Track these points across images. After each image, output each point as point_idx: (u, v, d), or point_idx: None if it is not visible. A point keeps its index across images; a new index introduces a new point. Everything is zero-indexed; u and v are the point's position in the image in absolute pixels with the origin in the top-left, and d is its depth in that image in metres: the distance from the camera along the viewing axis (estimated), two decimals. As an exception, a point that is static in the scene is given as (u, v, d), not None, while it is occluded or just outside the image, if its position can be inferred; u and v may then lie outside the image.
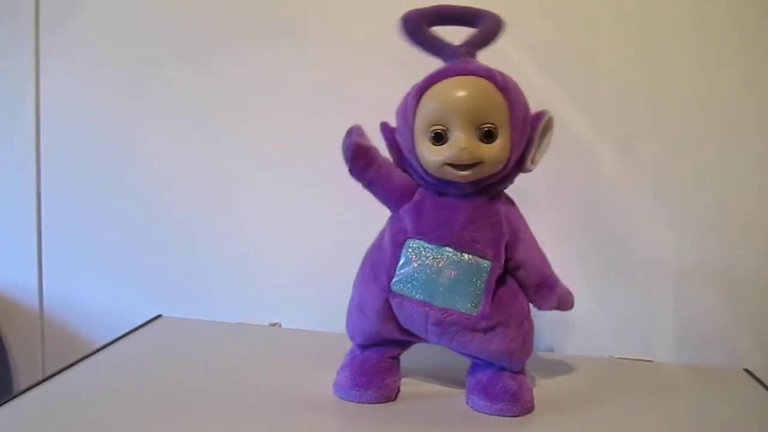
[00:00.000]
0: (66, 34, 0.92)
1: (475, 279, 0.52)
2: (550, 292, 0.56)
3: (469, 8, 0.55)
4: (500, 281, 0.53)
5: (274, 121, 0.87)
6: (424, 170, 0.52)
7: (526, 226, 0.56)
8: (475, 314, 0.52)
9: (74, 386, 0.57)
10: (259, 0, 0.86)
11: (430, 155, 0.50)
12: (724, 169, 0.77)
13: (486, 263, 0.52)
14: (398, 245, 0.54)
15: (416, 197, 0.54)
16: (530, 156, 0.53)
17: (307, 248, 0.88)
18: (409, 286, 0.53)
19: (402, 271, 0.53)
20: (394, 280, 0.54)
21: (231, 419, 0.51)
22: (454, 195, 0.53)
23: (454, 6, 0.55)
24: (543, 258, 0.56)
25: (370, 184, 0.55)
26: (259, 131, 0.88)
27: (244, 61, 0.87)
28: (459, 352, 0.56)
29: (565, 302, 0.58)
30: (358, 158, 0.54)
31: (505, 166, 0.51)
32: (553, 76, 0.78)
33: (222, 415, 0.52)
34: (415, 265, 0.53)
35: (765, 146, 0.76)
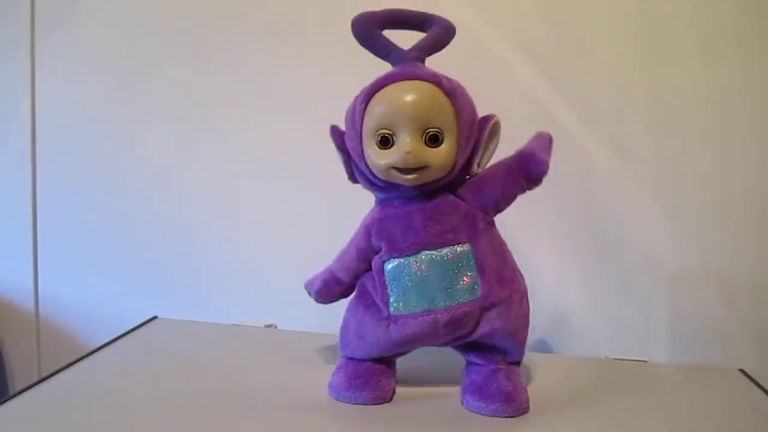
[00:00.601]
0: (62, 34, 0.92)
1: (462, 267, 0.52)
2: (532, 160, 0.53)
3: (420, 13, 0.56)
4: (497, 259, 0.54)
5: (271, 122, 0.87)
6: (372, 174, 0.52)
7: (474, 180, 0.55)
8: (477, 298, 0.52)
9: (70, 387, 0.57)
10: (260, 1, 0.86)
11: (377, 159, 0.51)
12: (720, 170, 0.78)
13: (465, 247, 0.52)
14: (381, 271, 0.54)
15: (369, 221, 0.55)
16: (477, 160, 0.53)
17: (304, 249, 0.87)
18: (407, 302, 0.53)
19: (394, 291, 0.54)
20: (390, 303, 0.54)
21: (226, 420, 0.51)
22: (404, 199, 0.53)
23: (405, 10, 0.56)
24: (499, 166, 0.55)
25: (351, 286, 0.58)
26: (256, 132, 0.88)
27: (242, 62, 0.87)
28: (463, 350, 0.56)
29: (543, 141, 0.55)
30: (326, 299, 0.60)
31: (451, 170, 0.52)
32: (549, 77, 0.78)
33: (217, 417, 0.52)
34: (403, 281, 0.53)
35: (760, 147, 0.77)
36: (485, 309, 0.53)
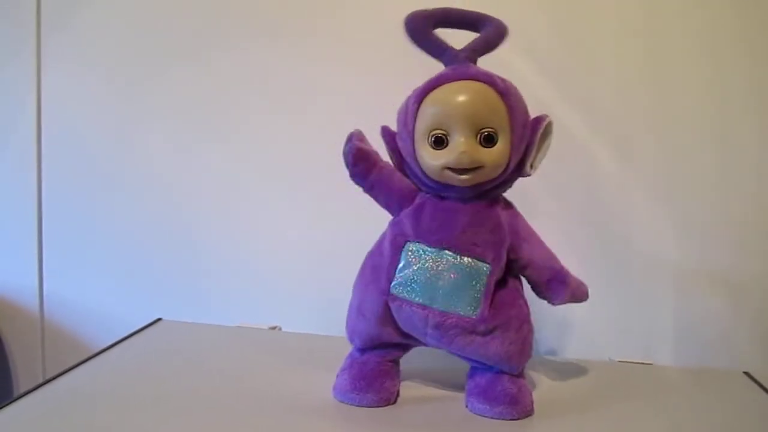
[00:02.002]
0: (67, 34, 0.92)
1: (474, 282, 0.52)
2: (561, 286, 0.56)
3: (475, 13, 0.55)
4: (500, 284, 0.54)
5: (274, 123, 0.87)
6: (425, 174, 0.52)
7: (528, 225, 0.56)
8: (474, 317, 0.52)
9: (74, 389, 0.57)
10: (260, 1, 0.86)
11: (431, 159, 0.51)
12: (724, 172, 0.77)
13: (486, 266, 0.52)
14: (398, 248, 0.54)
15: (417, 201, 0.55)
16: (530, 160, 0.53)
17: (307, 251, 0.88)
18: (409, 289, 0.53)
19: (401, 274, 0.53)
20: (393, 283, 0.54)
21: (231, 423, 0.51)
22: (454, 198, 0.53)
23: (460, 9, 0.55)
24: (549, 254, 0.56)
25: (372, 189, 0.56)
26: (259, 133, 0.88)
27: (245, 63, 0.87)
28: (458, 355, 0.56)
29: (579, 293, 0.57)
30: (360, 163, 0.55)
31: (504, 171, 0.52)
32: (552, 78, 0.78)
33: (222, 419, 0.52)
34: (415, 268, 0.53)
35: (765, 149, 0.76)
36: (479, 332, 0.53)
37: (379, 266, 0.55)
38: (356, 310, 0.57)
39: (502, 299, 0.53)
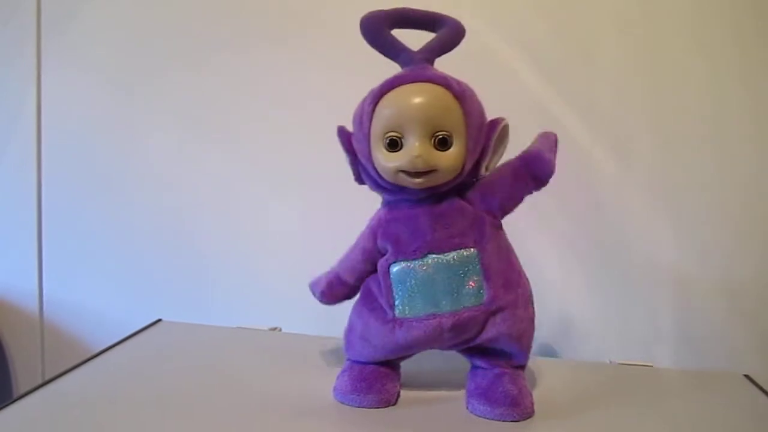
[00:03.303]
0: (67, 37, 0.92)
1: (468, 272, 0.52)
2: (538, 161, 0.54)
3: (432, 13, 0.55)
4: (502, 262, 0.53)
5: (274, 125, 0.87)
6: (379, 176, 0.52)
7: (481, 182, 0.55)
8: (482, 304, 0.52)
9: (74, 390, 0.57)
10: (260, 5, 0.86)
11: (385, 161, 0.51)
12: (723, 174, 0.78)
13: (472, 251, 0.52)
14: (386, 273, 0.54)
15: (375, 222, 0.55)
16: (485, 163, 0.53)
17: (308, 252, 0.87)
18: (412, 305, 0.53)
19: (399, 295, 0.53)
20: (395, 306, 0.54)
21: (230, 424, 0.51)
22: (412, 202, 0.53)
23: (415, 9, 0.55)
24: (506, 164, 0.55)
25: (354, 286, 0.58)
26: (259, 136, 0.88)
27: (245, 66, 0.87)
28: (468, 353, 0.56)
29: (551, 143, 0.55)
30: (333, 301, 0.59)
31: (459, 174, 0.52)
32: (550, 79, 0.78)
33: (222, 420, 0.51)
34: (409, 284, 0.53)
35: (763, 151, 0.77)
36: (491, 313, 0.53)
37: (378, 294, 0.55)
38: (360, 337, 0.56)
39: (506, 279, 0.53)
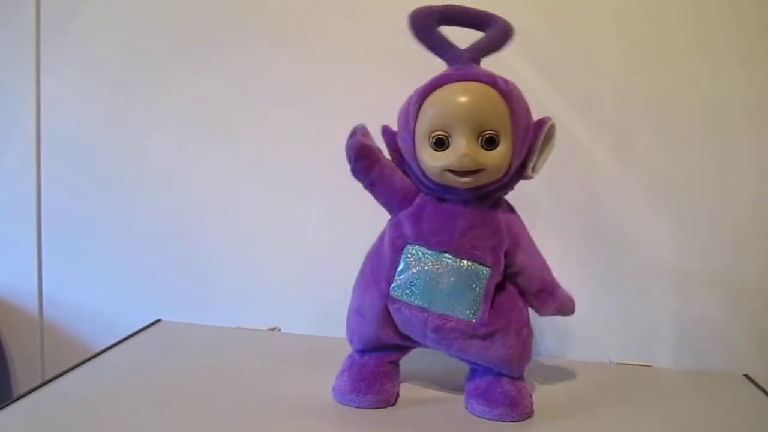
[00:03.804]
0: (67, 37, 0.92)
1: (474, 285, 0.52)
2: (550, 298, 0.56)
3: (481, 12, 0.54)
4: (499, 288, 0.54)
5: (273, 125, 0.87)
6: (425, 175, 0.52)
7: (526, 232, 0.56)
8: (474, 321, 0.52)
9: (74, 390, 0.57)
10: (259, 5, 0.86)
11: (431, 161, 0.50)
12: (723, 174, 0.78)
13: (485, 270, 0.52)
14: (398, 250, 0.54)
15: (417, 202, 0.54)
16: (531, 163, 0.52)
17: (307, 252, 0.88)
18: (408, 291, 0.53)
19: (401, 276, 0.53)
20: (393, 285, 0.54)
21: (230, 423, 0.51)
22: (455, 201, 0.53)
23: (466, 8, 0.54)
24: (543, 264, 0.56)
25: (372, 185, 0.55)
26: (258, 135, 0.88)
27: (245, 66, 0.87)
28: (458, 357, 0.56)
29: (565, 307, 0.58)
30: (362, 159, 0.54)
31: (506, 173, 0.51)
32: (551, 80, 0.78)
33: (221, 420, 0.52)
34: (414, 270, 0.53)
35: (763, 151, 0.77)
36: (478, 336, 0.53)
37: (379, 268, 0.55)
38: (356, 312, 0.57)
39: (501, 303, 0.53)
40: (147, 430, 0.50)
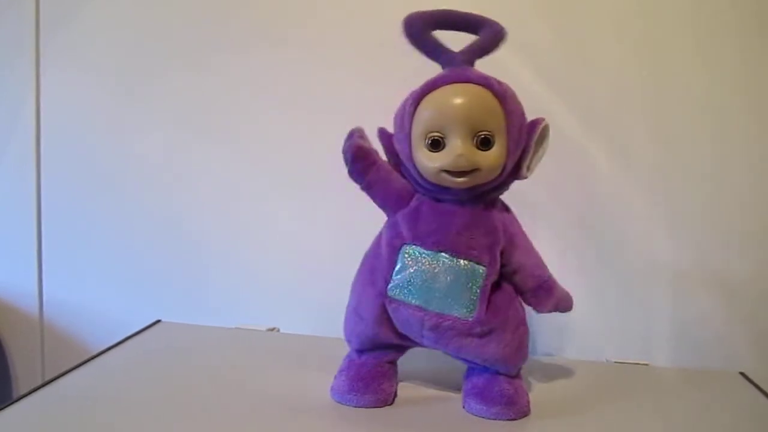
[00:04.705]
0: (66, 37, 0.92)
1: (470, 285, 0.52)
2: (547, 295, 0.57)
3: (473, 15, 0.55)
4: (495, 286, 0.54)
5: (273, 126, 0.87)
6: (421, 176, 0.52)
7: (522, 231, 0.56)
8: (470, 319, 0.53)
9: (74, 391, 0.57)
10: (259, 6, 0.86)
11: (427, 162, 0.51)
12: (721, 173, 0.78)
13: (482, 269, 0.53)
14: (395, 250, 0.54)
15: (413, 203, 0.55)
16: (526, 163, 0.53)
17: (305, 253, 0.88)
18: (405, 291, 0.53)
19: (398, 276, 0.54)
20: (390, 285, 0.54)
21: (229, 423, 0.51)
22: (451, 201, 0.53)
23: (458, 12, 0.55)
24: (539, 262, 0.57)
25: (369, 187, 0.56)
26: (257, 136, 0.88)
27: (244, 66, 0.87)
28: (455, 356, 0.56)
29: (563, 304, 0.58)
30: (359, 160, 0.55)
31: (501, 173, 0.52)
32: (548, 80, 0.78)
33: (220, 420, 0.52)
34: (412, 270, 0.53)
35: (760, 150, 0.77)
36: (475, 334, 0.53)
37: (376, 268, 0.55)
38: (353, 311, 0.57)
39: (498, 301, 0.54)
40: (147, 430, 0.50)
